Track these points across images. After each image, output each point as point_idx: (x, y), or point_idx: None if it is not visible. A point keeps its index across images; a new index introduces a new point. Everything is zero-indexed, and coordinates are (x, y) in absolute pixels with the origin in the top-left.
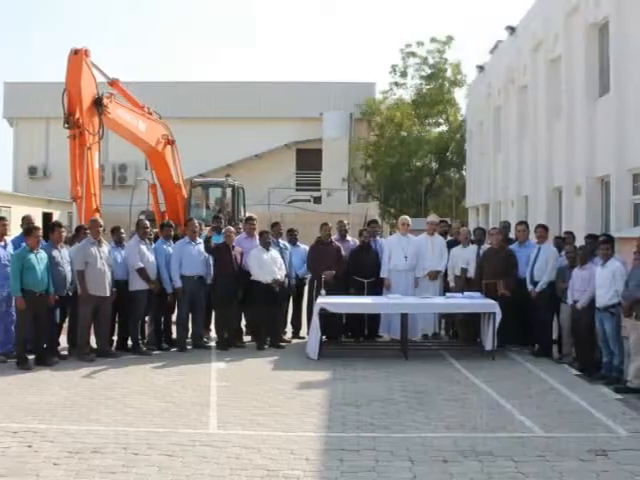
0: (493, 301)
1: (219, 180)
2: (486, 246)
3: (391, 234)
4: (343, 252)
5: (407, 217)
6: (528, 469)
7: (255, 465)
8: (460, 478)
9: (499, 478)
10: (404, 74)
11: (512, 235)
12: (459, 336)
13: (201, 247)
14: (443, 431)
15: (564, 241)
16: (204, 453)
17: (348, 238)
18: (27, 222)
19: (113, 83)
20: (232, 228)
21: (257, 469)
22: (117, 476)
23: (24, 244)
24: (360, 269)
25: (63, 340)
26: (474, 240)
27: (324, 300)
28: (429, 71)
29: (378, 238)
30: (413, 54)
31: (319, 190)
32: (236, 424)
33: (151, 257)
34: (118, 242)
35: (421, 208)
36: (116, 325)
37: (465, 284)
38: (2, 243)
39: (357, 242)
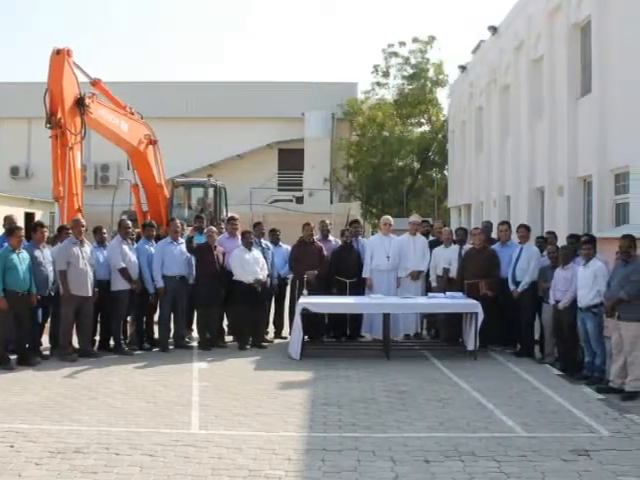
0: (475, 301)
1: (201, 180)
2: (468, 246)
3: (373, 234)
4: (325, 252)
5: (389, 217)
6: (510, 469)
7: (237, 465)
8: (442, 478)
9: (481, 478)
10: (386, 74)
11: (494, 235)
12: (441, 336)
13: (183, 247)
14: (425, 431)
15: (546, 241)
16: (186, 453)
17: (330, 238)
18: (9, 222)
19: (95, 83)
20: (214, 228)
21: (239, 469)
22: (99, 476)
23: (6, 244)
24: (342, 269)
25: (45, 340)
26: (456, 240)
27: (306, 300)
28: (411, 71)
29: (360, 238)
30: (395, 54)
31: (301, 190)
32: (218, 424)
33: (133, 257)
34: (100, 242)
35: (403, 208)
36: (98, 325)
37: (447, 284)
38: None
39: (339, 242)
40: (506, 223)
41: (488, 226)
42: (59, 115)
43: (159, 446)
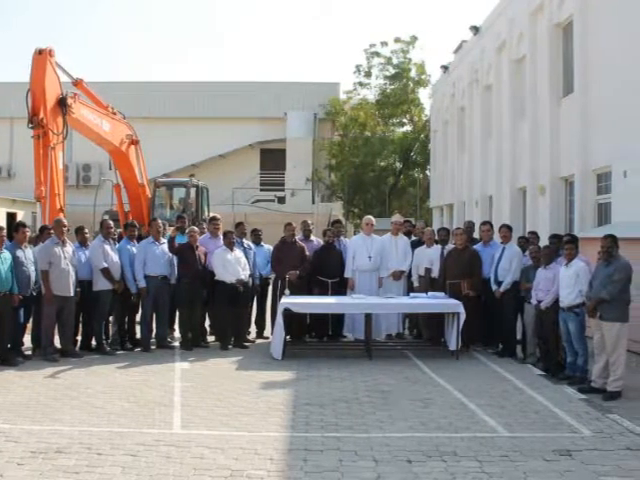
0: (457, 301)
1: (183, 180)
2: (450, 246)
3: (355, 234)
4: (307, 252)
5: (371, 217)
6: (492, 469)
7: (219, 465)
8: (424, 478)
9: (463, 478)
10: (368, 74)
11: (476, 235)
12: (423, 336)
13: (165, 247)
14: (407, 431)
15: (528, 241)
16: (168, 453)
17: (312, 238)
18: None
19: (77, 83)
20: (196, 228)
21: (221, 469)
22: (81, 476)
23: None
24: (324, 269)
25: (27, 340)
26: (438, 240)
27: (288, 300)
28: (393, 71)
29: (342, 238)
30: (377, 54)
31: (283, 190)
32: (200, 424)
33: (115, 257)
34: (82, 242)
35: (385, 208)
36: (80, 325)
37: (429, 284)
38: None
39: (321, 242)
40: (488, 223)
41: (470, 226)
42: (41, 115)
43: (141, 446)
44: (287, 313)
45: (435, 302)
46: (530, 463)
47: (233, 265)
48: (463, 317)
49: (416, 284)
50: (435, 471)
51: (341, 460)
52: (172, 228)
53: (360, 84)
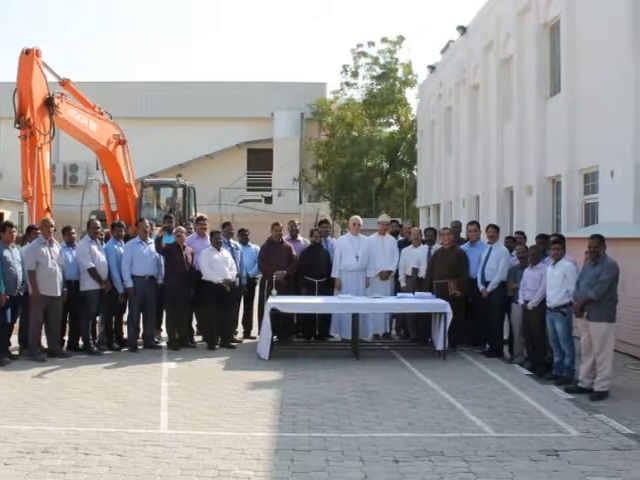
0: (444, 301)
1: (170, 180)
2: (437, 246)
3: (342, 234)
4: (294, 252)
5: (358, 217)
6: (479, 469)
7: (206, 465)
8: (411, 478)
9: (450, 478)
10: (355, 74)
11: (463, 235)
12: (410, 336)
13: (152, 247)
14: (394, 431)
15: (515, 241)
16: (155, 453)
17: (299, 238)
18: None
19: (64, 83)
20: (183, 228)
21: (208, 469)
22: (68, 476)
23: None
24: (311, 269)
25: (14, 340)
26: (425, 240)
27: (275, 300)
28: (380, 71)
29: (329, 238)
30: (364, 54)
31: (270, 190)
32: (187, 424)
33: (102, 257)
34: (69, 242)
35: (372, 208)
36: (67, 325)
37: (416, 284)
38: None
39: (308, 242)
40: (475, 223)
41: (457, 226)
42: (28, 115)
43: (128, 446)
44: (274, 313)
45: (422, 302)
46: (517, 463)
47: (220, 265)
48: (450, 317)
49: (403, 284)
50: (422, 471)
51: (328, 460)
52: (159, 228)
53: (347, 84)
